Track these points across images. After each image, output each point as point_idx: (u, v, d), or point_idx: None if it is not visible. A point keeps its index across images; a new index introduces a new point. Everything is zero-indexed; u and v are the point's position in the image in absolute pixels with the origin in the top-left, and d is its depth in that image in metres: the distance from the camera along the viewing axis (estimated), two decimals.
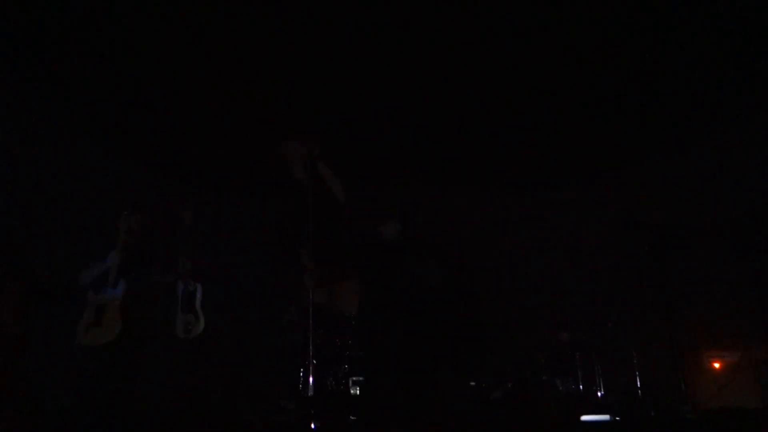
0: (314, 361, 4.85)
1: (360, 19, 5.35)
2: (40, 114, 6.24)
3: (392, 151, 6.86)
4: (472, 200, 7.07)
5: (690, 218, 6.22)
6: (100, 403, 4.92)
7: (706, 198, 6.35)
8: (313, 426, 4.40)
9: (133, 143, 6.84)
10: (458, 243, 6.71)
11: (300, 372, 5.24)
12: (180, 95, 6.19)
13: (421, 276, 6.29)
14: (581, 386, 6.39)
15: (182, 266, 5.79)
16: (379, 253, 6.15)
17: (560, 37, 5.52)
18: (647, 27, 5.46)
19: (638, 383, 6.14)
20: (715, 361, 6.56)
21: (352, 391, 6.28)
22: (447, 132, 6.69)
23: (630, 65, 5.90)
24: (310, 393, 4.66)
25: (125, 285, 5.20)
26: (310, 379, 4.76)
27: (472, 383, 6.06)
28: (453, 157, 6.99)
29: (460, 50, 5.71)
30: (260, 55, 5.75)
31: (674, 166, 6.73)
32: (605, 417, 5.02)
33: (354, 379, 6.34)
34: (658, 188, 6.46)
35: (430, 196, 7.08)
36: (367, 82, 6.08)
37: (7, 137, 5.99)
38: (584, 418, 4.99)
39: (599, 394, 6.32)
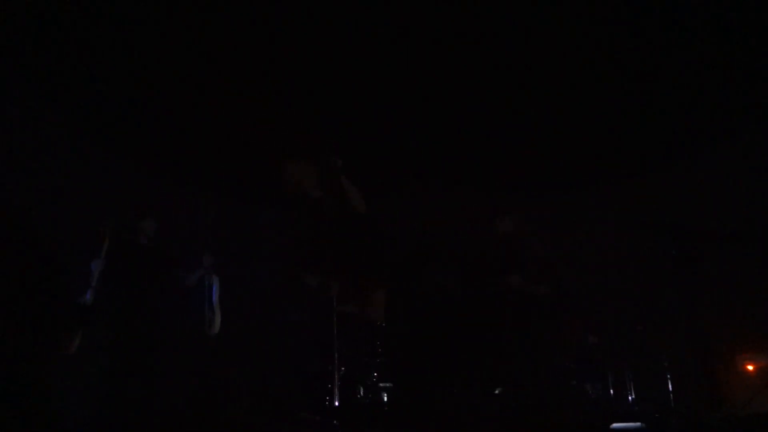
0: (341, 369, 4.87)
1: (370, 24, 5.36)
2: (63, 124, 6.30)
3: (408, 157, 6.83)
4: (495, 205, 6.99)
5: (719, 221, 6.09)
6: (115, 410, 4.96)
7: (736, 200, 6.22)
8: None
9: (142, 145, 6.84)
10: (480, 249, 6.65)
11: (325, 381, 5.19)
12: (196, 98, 6.20)
13: (441, 284, 6.27)
14: (611, 391, 6.32)
15: (206, 261, 5.87)
16: (400, 261, 6.14)
17: (583, 36, 5.46)
18: (674, 25, 5.38)
19: (670, 388, 6.05)
20: (749, 364, 6.42)
21: (381, 398, 6.35)
22: (466, 136, 6.66)
23: (657, 63, 5.80)
24: (336, 403, 4.68)
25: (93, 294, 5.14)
26: (336, 389, 4.79)
27: (498, 391, 5.99)
28: (472, 162, 6.95)
29: (476, 50, 5.69)
30: (273, 59, 5.78)
31: (704, 168, 6.60)
32: (636, 424, 4.94)
33: (382, 385, 6.41)
34: (687, 191, 6.35)
35: (449, 201, 7.03)
36: (380, 86, 6.08)
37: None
38: (614, 425, 4.91)
39: (630, 398, 6.22)
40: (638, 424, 5.12)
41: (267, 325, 6.81)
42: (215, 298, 5.99)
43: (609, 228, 6.72)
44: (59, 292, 5.19)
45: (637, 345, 6.38)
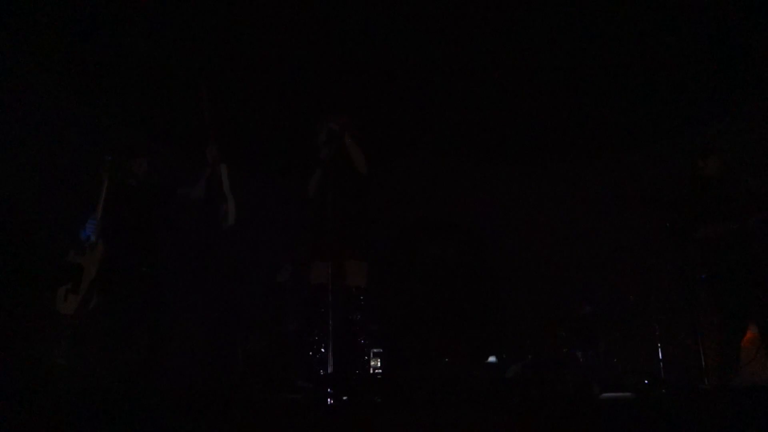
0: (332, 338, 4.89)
1: None
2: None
3: (405, 126, 6.76)
4: (490, 175, 6.98)
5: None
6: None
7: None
8: (329, 402, 4.47)
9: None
10: (475, 219, 6.66)
11: (317, 349, 5.21)
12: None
13: (437, 254, 6.28)
14: (602, 358, 6.38)
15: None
16: (399, 230, 6.14)
17: (587, 12, 5.38)
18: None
19: (660, 357, 6.11)
20: None
21: (372, 362, 6.41)
22: (463, 106, 6.58)
23: (656, 37, 5.76)
24: (329, 370, 4.72)
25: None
26: (330, 357, 4.81)
27: (492, 359, 6.06)
28: (469, 132, 6.89)
29: (484, 22, 5.62)
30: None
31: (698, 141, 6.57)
32: (626, 394, 5.01)
33: (374, 350, 6.47)
34: (681, 163, 6.32)
35: (445, 171, 7.01)
36: (383, 50, 6.00)
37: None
38: (604, 395, 4.99)
39: (620, 366, 6.30)
40: (627, 394, 5.20)
41: (260, 289, 6.81)
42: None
43: (604, 199, 6.72)
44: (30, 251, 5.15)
45: (629, 314, 6.42)
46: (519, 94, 6.43)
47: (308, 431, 3.41)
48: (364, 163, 4.99)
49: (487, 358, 6.25)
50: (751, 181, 5.19)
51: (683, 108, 6.47)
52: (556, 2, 5.37)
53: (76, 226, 4.98)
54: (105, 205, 4.97)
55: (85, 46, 5.84)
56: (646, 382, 6.08)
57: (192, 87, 5.24)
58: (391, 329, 6.13)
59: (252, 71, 6.21)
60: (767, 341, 5.02)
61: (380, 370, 6.32)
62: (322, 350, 4.97)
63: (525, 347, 6.49)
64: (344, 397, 4.46)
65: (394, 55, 6.03)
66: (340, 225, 4.79)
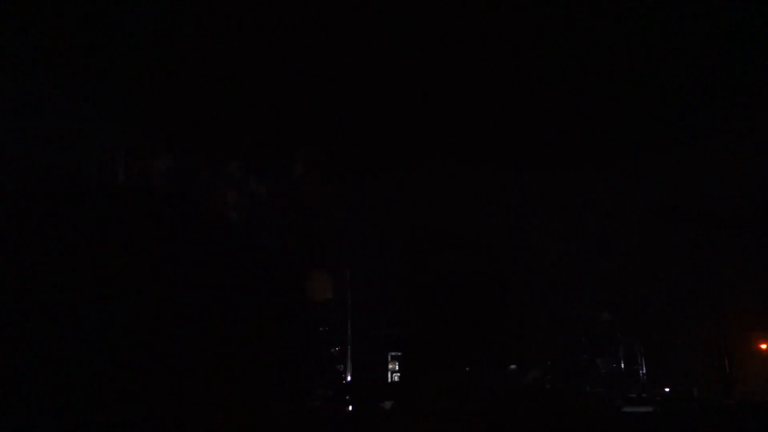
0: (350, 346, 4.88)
1: None
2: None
3: (417, 133, 6.65)
4: (504, 182, 6.86)
5: (734, 203, 5.96)
6: None
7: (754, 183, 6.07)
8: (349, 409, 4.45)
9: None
10: (492, 226, 6.57)
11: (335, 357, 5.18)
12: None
13: (454, 262, 6.21)
14: (623, 366, 6.31)
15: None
16: (410, 243, 6.08)
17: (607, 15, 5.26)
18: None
19: (683, 368, 6.02)
20: (762, 342, 6.36)
21: (390, 366, 6.38)
22: (476, 110, 6.46)
23: (676, 36, 5.58)
24: (348, 378, 4.71)
25: None
26: (348, 364, 4.82)
27: (513, 367, 5.99)
28: (482, 137, 6.77)
29: (488, 19, 5.47)
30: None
31: (720, 148, 6.43)
32: (648, 408, 4.93)
33: (392, 354, 6.44)
34: (706, 173, 6.20)
35: (459, 179, 6.89)
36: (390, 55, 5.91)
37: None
38: (626, 409, 4.90)
39: (641, 373, 6.21)
40: (648, 408, 5.12)
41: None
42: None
43: (626, 206, 6.61)
44: None
45: (650, 322, 6.32)
46: (533, 96, 6.31)
47: None
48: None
49: (506, 366, 6.17)
50: None
51: (703, 112, 6.32)
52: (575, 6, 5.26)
53: None
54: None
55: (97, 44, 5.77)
56: (667, 390, 6.08)
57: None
58: (409, 334, 6.07)
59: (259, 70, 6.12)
60: None
61: (398, 374, 6.30)
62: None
63: (543, 353, 6.39)
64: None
65: (400, 57, 5.90)
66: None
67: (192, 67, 5.99)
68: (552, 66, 5.89)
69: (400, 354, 6.39)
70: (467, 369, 6.11)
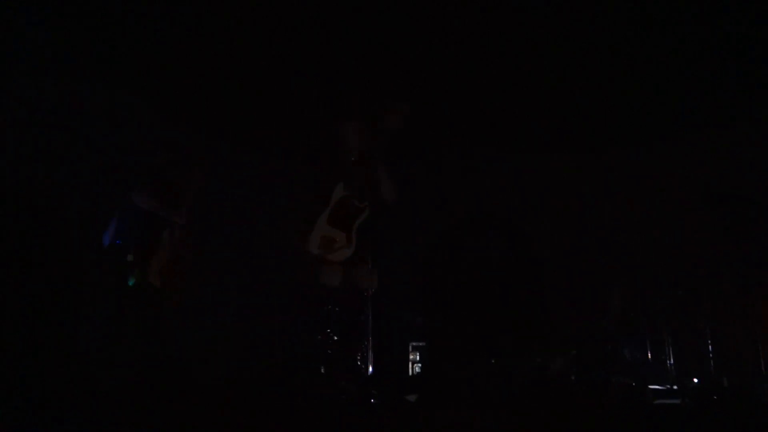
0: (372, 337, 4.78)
1: None
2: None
3: (446, 116, 6.50)
4: (535, 166, 6.71)
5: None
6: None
7: None
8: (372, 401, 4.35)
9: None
10: (521, 213, 6.43)
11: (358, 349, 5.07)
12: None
13: (483, 252, 6.10)
14: (649, 355, 6.17)
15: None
16: (441, 228, 5.97)
17: None
18: None
19: (711, 356, 5.86)
20: None
21: (411, 357, 6.29)
22: (506, 92, 6.30)
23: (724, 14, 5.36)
24: (370, 370, 4.60)
25: None
26: (370, 355, 4.70)
27: (539, 359, 5.89)
28: (513, 121, 6.61)
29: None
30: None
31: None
32: (676, 401, 4.81)
33: (414, 344, 6.35)
34: (744, 154, 5.99)
35: (490, 164, 6.75)
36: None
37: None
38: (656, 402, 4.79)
39: (669, 363, 6.06)
40: (677, 401, 5.00)
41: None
42: None
43: (654, 190, 6.44)
44: None
45: (678, 309, 6.16)
46: (564, 77, 6.13)
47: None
48: (393, 193, 4.84)
49: (532, 357, 6.07)
50: None
51: (744, 92, 6.10)
52: None
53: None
54: None
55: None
56: (696, 381, 5.93)
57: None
58: (435, 324, 5.98)
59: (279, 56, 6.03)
60: None
61: (420, 365, 6.21)
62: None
63: (569, 341, 6.26)
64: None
65: (429, 40, 5.79)
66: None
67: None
68: (586, 44, 5.74)
69: (422, 344, 6.34)
70: (492, 361, 6.04)
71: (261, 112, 6.67)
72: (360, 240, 4.81)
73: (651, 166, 6.59)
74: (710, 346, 5.81)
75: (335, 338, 4.94)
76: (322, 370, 4.96)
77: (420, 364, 6.20)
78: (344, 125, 4.83)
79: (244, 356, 6.22)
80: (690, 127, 6.47)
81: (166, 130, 6.55)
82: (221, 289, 6.51)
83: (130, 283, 4.77)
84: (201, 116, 6.70)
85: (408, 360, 6.25)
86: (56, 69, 5.70)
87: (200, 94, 6.39)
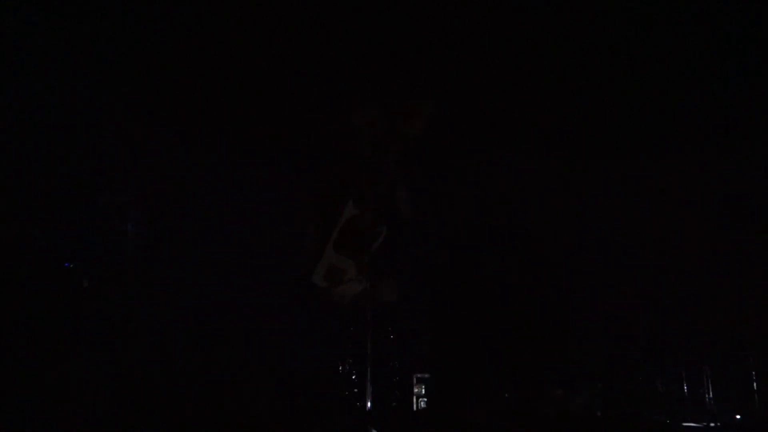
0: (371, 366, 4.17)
1: None
2: None
3: (459, 119, 5.93)
4: (557, 179, 6.07)
5: None
6: None
7: None
8: None
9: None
10: (539, 225, 5.82)
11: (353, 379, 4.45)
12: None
13: (497, 271, 5.53)
14: (686, 389, 5.57)
15: None
16: (452, 245, 5.39)
17: None
18: None
19: (755, 389, 5.30)
20: None
21: (416, 390, 5.73)
22: (527, 91, 5.74)
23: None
24: (368, 404, 3.97)
25: None
26: (368, 387, 4.10)
27: (560, 391, 5.30)
28: (532, 123, 5.98)
29: None
30: None
31: None
32: None
33: (418, 376, 5.80)
34: None
35: (505, 173, 6.13)
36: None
37: None
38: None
39: (707, 397, 5.47)
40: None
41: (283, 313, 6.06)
42: None
43: (689, 202, 5.81)
44: None
45: (717, 336, 5.56)
46: (587, 76, 5.67)
47: None
48: (409, 207, 4.22)
49: (551, 389, 5.49)
50: None
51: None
52: None
53: None
54: None
55: None
56: (738, 417, 5.38)
57: None
58: (441, 353, 5.40)
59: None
60: None
61: (425, 399, 5.61)
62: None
63: (593, 372, 5.68)
64: None
65: (442, 37, 5.33)
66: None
67: None
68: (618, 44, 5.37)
69: (427, 376, 5.79)
70: (506, 395, 5.47)
71: (258, 113, 6.09)
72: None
73: (683, 179, 5.95)
74: (754, 379, 5.32)
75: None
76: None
77: (425, 399, 5.63)
78: (359, 117, 4.25)
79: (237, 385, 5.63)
80: (727, 138, 5.92)
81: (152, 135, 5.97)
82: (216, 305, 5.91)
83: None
84: (188, 118, 6.14)
85: (412, 393, 5.68)
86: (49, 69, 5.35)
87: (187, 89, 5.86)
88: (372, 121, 4.21)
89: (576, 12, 5.07)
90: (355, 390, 4.43)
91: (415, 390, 5.75)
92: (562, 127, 5.95)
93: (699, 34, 5.26)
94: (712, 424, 5.25)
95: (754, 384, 5.32)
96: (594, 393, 5.55)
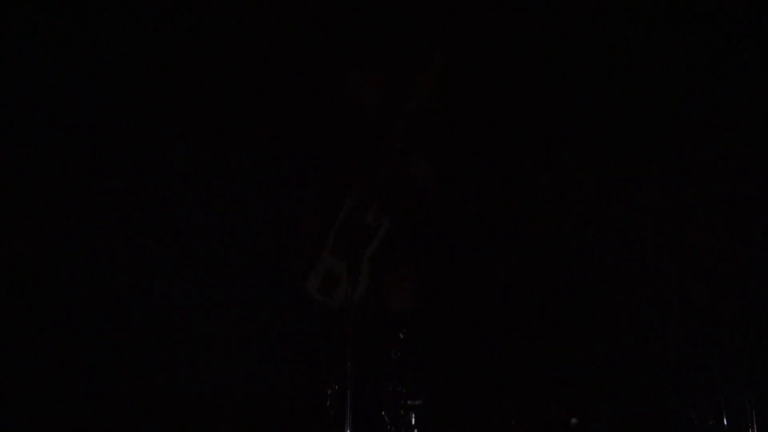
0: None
1: None
2: None
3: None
4: (574, 164, 5.30)
5: None
6: None
7: None
8: None
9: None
10: (553, 223, 5.07)
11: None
12: None
13: (501, 271, 4.79)
14: (725, 420, 4.79)
15: None
16: (447, 240, 4.65)
17: None
18: None
19: None
20: None
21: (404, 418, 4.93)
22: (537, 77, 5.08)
23: None
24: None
25: None
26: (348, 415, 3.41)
27: (573, 420, 4.57)
28: (544, 112, 5.24)
29: None
30: None
31: None
32: None
33: (410, 402, 4.99)
34: None
35: (514, 159, 5.36)
36: None
37: None
38: None
39: (751, 431, 4.70)
40: None
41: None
42: None
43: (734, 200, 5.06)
44: None
45: (764, 358, 4.79)
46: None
47: None
48: (433, 181, 3.73)
49: (564, 419, 4.76)
50: None
51: None
52: None
53: None
54: None
55: None
56: None
57: None
58: (436, 375, 4.66)
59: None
60: None
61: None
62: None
63: (614, 397, 4.95)
64: None
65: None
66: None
67: None
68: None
69: (418, 403, 4.98)
70: (512, 422, 4.69)
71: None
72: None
73: (723, 168, 5.21)
74: None
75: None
76: None
77: (416, 431, 4.79)
78: (354, 81, 3.60)
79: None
80: None
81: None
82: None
83: None
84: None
85: (399, 424, 4.84)
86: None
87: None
88: (370, 84, 3.57)
89: None
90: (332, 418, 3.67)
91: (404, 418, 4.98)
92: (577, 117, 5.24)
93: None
94: None
95: None
96: (614, 422, 4.86)
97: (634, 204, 5.19)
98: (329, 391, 3.87)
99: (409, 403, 4.83)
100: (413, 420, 4.82)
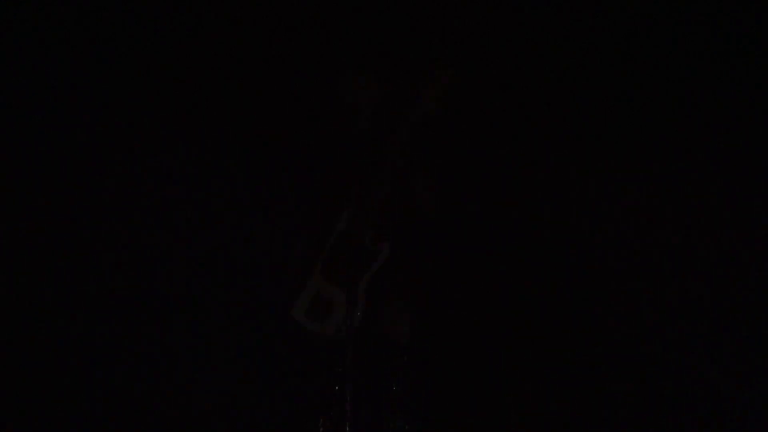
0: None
1: None
2: None
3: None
4: (583, 157, 5.08)
5: None
6: None
7: None
8: None
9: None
10: (560, 221, 4.82)
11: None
12: None
13: (503, 274, 4.60)
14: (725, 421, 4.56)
15: None
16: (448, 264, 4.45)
17: None
18: None
19: None
20: None
21: None
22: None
23: None
24: None
25: None
26: None
27: None
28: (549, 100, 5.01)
29: None
30: None
31: None
32: None
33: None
34: None
35: (522, 175, 5.11)
36: None
37: None
38: None
39: None
40: None
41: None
42: None
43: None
44: None
45: None
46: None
47: None
48: (431, 202, 3.55)
49: None
50: None
51: None
52: None
53: None
54: None
55: None
56: None
57: None
58: (426, 396, 4.44)
59: None
60: None
61: None
62: None
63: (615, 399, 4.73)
64: None
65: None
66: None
67: None
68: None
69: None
70: None
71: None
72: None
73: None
74: None
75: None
76: None
77: None
78: (352, 89, 3.40)
79: None
80: None
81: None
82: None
83: None
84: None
85: None
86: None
87: None
88: (369, 90, 3.38)
89: None
90: None
91: None
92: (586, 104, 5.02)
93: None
94: None
95: None
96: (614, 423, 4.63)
97: (634, 204, 5.03)
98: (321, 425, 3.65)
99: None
100: None
